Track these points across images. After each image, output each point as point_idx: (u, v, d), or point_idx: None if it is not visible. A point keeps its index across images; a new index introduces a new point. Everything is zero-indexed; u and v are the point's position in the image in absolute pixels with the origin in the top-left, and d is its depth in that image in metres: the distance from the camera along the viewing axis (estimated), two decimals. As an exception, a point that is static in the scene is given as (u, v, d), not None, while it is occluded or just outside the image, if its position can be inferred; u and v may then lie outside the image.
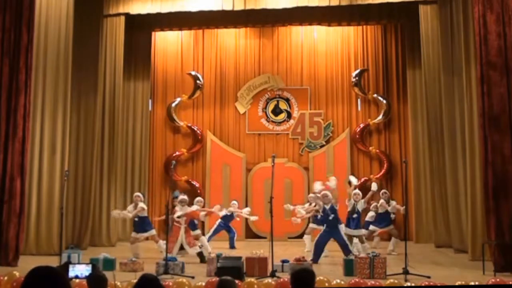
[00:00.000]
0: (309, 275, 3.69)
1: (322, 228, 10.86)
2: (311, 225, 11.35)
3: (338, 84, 14.31)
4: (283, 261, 8.81)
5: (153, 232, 10.59)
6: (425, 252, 11.14)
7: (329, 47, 14.38)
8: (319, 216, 10.78)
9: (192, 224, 10.57)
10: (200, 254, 9.90)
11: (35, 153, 10.81)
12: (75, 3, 11.35)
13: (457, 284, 7.10)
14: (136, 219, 10.42)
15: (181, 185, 14.07)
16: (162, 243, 10.42)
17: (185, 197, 10.47)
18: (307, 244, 11.11)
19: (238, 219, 12.26)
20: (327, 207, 9.92)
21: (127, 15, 12.81)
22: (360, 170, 13.98)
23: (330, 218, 9.81)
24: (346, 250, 9.51)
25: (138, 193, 10.98)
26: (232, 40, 14.59)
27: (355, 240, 10.45)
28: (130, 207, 10.68)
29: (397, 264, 8.75)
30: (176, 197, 11.28)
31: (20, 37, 9.85)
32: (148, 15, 12.73)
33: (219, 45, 14.62)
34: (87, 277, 5.12)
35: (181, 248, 10.00)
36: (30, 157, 10.34)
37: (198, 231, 10.88)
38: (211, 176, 13.90)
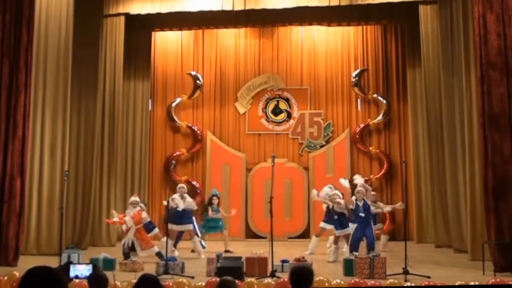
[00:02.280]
0: (308, 273, 3.70)
1: (332, 227, 10.75)
2: (322, 224, 11.05)
3: (338, 84, 14.29)
4: (283, 261, 8.81)
5: (190, 227, 10.73)
6: (425, 252, 11.14)
7: (329, 47, 14.37)
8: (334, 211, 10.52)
9: (148, 225, 10.31)
10: (159, 254, 9.40)
11: (35, 153, 10.82)
12: (75, 3, 11.36)
13: (457, 284, 7.10)
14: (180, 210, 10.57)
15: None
16: (197, 239, 10.67)
17: (137, 198, 10.16)
18: (311, 247, 10.95)
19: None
20: (360, 204, 9.71)
21: (127, 15, 12.81)
22: (360, 170, 13.93)
23: (362, 215, 9.62)
24: (371, 249, 9.37)
25: (183, 185, 11.20)
26: (232, 40, 14.59)
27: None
28: (176, 196, 10.67)
29: (397, 264, 8.75)
30: (215, 195, 11.53)
31: (20, 37, 9.86)
32: (148, 15, 12.73)
33: (219, 45, 14.61)
34: (88, 277, 5.13)
35: (133, 249, 9.53)
36: (30, 157, 10.35)
37: (156, 231, 10.79)
38: (211, 176, 13.90)
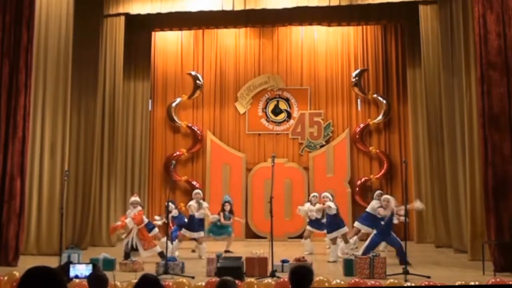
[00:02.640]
0: (307, 273, 3.70)
1: (318, 231, 10.87)
2: (308, 227, 11.26)
3: (338, 84, 14.30)
4: (283, 261, 8.81)
5: (202, 234, 10.73)
6: (425, 252, 11.14)
7: (329, 47, 14.37)
8: (313, 218, 10.90)
9: (148, 225, 10.29)
10: (161, 254, 9.40)
11: (35, 153, 10.82)
12: (75, 3, 11.36)
13: (457, 284, 7.10)
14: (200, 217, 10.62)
15: (181, 185, 14.09)
16: (203, 247, 10.63)
17: (137, 198, 10.19)
18: (306, 248, 10.99)
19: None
20: (388, 214, 9.53)
21: (127, 15, 12.81)
22: (360, 170, 13.97)
23: (382, 222, 9.52)
24: (401, 253, 9.15)
25: (199, 191, 11.17)
26: (232, 40, 14.59)
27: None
28: (193, 203, 10.68)
29: (397, 264, 8.75)
30: (228, 201, 11.47)
31: (20, 37, 9.86)
32: (148, 15, 12.74)
33: (219, 45, 14.61)
34: (87, 277, 5.12)
35: (136, 249, 9.58)
36: (30, 157, 10.36)
37: (156, 231, 10.76)
38: (211, 176, 13.90)
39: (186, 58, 14.62)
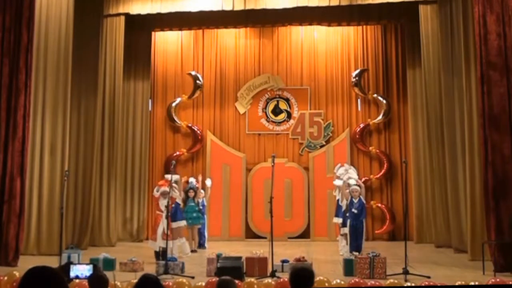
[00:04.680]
0: (308, 274, 3.70)
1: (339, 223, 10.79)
2: (337, 220, 10.93)
3: (338, 84, 14.29)
4: (283, 261, 8.81)
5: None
6: (425, 252, 11.14)
7: (329, 47, 14.37)
8: (343, 208, 10.53)
9: (174, 214, 10.18)
10: (158, 253, 9.48)
11: (35, 153, 10.82)
12: (75, 3, 11.36)
13: (457, 284, 7.11)
14: (173, 205, 10.28)
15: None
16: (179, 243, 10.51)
17: (167, 188, 10.00)
18: (343, 248, 10.53)
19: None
20: (355, 200, 9.77)
21: (127, 15, 12.82)
22: (360, 170, 13.92)
23: (355, 212, 9.67)
24: (353, 245, 9.43)
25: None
26: (232, 40, 14.59)
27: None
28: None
29: (397, 264, 8.75)
30: (192, 188, 11.47)
31: (20, 37, 9.87)
32: (148, 15, 12.74)
33: (219, 45, 14.61)
34: (88, 277, 5.13)
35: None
36: (30, 157, 10.36)
37: (180, 224, 10.50)
38: (211, 176, 13.88)
39: (186, 58, 14.62)
